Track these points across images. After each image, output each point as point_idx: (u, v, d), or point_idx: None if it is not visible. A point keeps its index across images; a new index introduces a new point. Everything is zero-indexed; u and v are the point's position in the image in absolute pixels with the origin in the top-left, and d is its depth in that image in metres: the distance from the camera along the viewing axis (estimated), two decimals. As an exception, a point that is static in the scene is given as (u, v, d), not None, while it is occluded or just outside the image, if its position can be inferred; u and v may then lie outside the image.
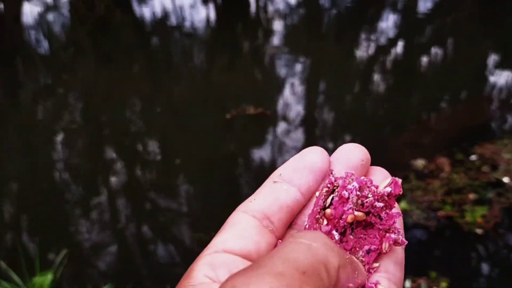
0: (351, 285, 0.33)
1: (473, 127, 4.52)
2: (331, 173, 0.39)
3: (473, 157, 3.93)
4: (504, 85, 5.35)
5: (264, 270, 0.29)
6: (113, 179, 4.05)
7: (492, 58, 6.18)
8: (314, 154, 0.39)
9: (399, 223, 0.41)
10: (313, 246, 0.31)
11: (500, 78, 5.49)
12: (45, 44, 7.02)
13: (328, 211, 0.37)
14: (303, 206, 0.39)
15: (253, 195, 0.40)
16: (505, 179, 3.67)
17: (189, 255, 3.29)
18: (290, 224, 0.40)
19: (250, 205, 0.39)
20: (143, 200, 3.81)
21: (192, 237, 3.36)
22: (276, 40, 6.82)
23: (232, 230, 0.38)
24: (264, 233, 0.38)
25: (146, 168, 4.20)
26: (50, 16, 7.64)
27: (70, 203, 3.79)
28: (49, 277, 1.88)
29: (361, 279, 0.35)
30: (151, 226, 3.53)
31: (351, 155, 0.43)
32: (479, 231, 3.24)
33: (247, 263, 0.35)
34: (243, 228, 0.38)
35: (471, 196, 3.52)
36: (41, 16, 7.65)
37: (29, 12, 7.70)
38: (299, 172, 0.38)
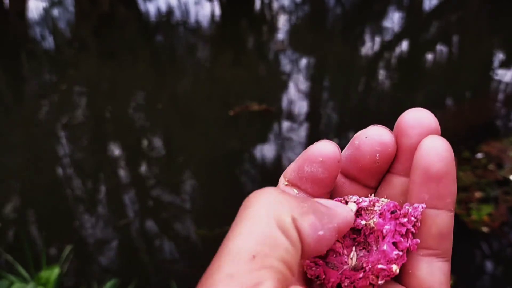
0: (321, 232, 0.30)
1: (479, 125, 4.51)
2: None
3: (479, 155, 3.92)
4: (511, 82, 5.33)
5: (216, 276, 0.28)
6: (117, 175, 4.05)
7: (499, 56, 6.16)
8: (311, 162, 0.36)
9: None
10: (260, 211, 0.29)
11: (506, 75, 5.47)
12: (49, 40, 7.02)
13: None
14: None
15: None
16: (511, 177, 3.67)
17: (193, 251, 3.29)
18: None
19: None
20: (147, 196, 3.82)
21: (196, 233, 3.37)
22: (280, 37, 6.81)
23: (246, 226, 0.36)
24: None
25: (149, 164, 4.20)
26: (55, 12, 7.64)
27: (75, 198, 3.80)
28: (56, 271, 1.88)
29: (338, 222, 0.32)
30: (155, 221, 3.54)
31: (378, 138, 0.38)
32: (485, 229, 3.23)
33: None
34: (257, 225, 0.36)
35: (477, 194, 3.51)
36: (46, 12, 7.65)
37: (34, 7, 7.71)
38: (302, 180, 0.36)
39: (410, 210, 0.36)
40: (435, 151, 0.34)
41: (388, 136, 0.37)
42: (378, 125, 0.38)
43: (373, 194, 0.39)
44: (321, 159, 0.35)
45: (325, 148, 0.35)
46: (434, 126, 0.37)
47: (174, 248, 3.33)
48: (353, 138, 0.38)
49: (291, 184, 0.36)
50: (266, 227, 0.28)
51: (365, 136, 0.37)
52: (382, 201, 0.37)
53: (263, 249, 0.28)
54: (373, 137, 0.36)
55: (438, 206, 0.35)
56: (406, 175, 0.37)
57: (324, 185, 0.36)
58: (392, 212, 0.36)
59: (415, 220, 0.36)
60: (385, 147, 0.36)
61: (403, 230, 0.35)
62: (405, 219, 0.35)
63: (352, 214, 0.34)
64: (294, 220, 0.29)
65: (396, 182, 0.37)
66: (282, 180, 0.38)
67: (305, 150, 0.37)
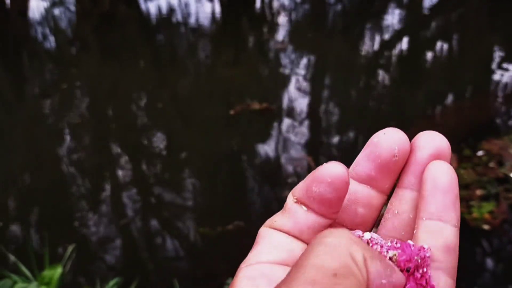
0: (384, 281, 0.31)
1: (480, 122, 4.52)
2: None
3: (480, 153, 3.92)
4: (511, 80, 5.33)
5: (297, 281, 0.29)
6: (119, 174, 4.07)
7: (499, 53, 6.16)
8: (319, 182, 0.36)
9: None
10: (337, 243, 0.30)
11: (507, 73, 5.47)
12: (51, 39, 7.04)
13: None
14: (330, 226, 0.38)
15: (275, 214, 0.39)
16: (513, 175, 3.67)
17: (194, 249, 3.31)
18: None
19: (272, 221, 0.39)
20: (148, 195, 3.83)
21: (197, 232, 3.38)
22: (281, 35, 6.81)
23: (263, 243, 0.38)
24: (295, 241, 0.38)
25: (151, 163, 4.21)
26: (56, 11, 7.66)
27: (77, 197, 3.82)
28: (58, 270, 1.90)
29: (396, 279, 0.33)
30: (157, 220, 3.55)
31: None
32: (486, 227, 3.23)
33: (285, 269, 0.35)
34: (273, 240, 0.38)
35: (479, 192, 3.52)
36: (47, 11, 7.66)
37: (35, 7, 7.72)
38: (310, 200, 0.37)
39: (419, 260, 0.36)
40: (442, 168, 0.36)
41: (404, 134, 0.39)
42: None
43: (372, 230, 0.40)
44: (329, 179, 0.36)
45: (334, 169, 0.36)
46: (447, 150, 0.39)
47: (175, 246, 3.35)
48: (370, 139, 0.40)
49: (300, 202, 0.37)
50: (343, 256, 0.30)
51: (384, 133, 0.39)
52: (387, 244, 0.37)
53: (342, 272, 0.29)
54: (392, 133, 0.38)
55: (443, 218, 0.36)
56: (416, 190, 0.38)
57: (332, 205, 0.36)
58: (407, 271, 0.35)
59: (427, 266, 0.36)
60: (403, 142, 0.38)
61: (423, 282, 0.36)
62: (420, 273, 0.36)
63: (403, 280, 0.35)
64: (365, 260, 0.30)
65: (407, 196, 0.39)
66: (290, 198, 0.39)
67: (314, 171, 0.37)
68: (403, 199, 0.39)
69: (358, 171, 0.40)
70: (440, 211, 0.36)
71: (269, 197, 3.73)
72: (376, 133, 0.39)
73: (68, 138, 4.57)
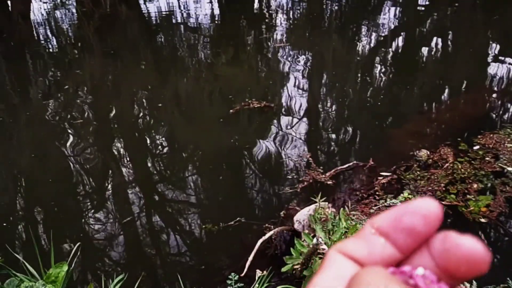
0: None
1: (475, 116, 4.53)
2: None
3: (477, 147, 3.95)
4: (506, 74, 5.35)
5: None
6: (122, 172, 4.12)
7: (493, 48, 6.17)
8: (413, 214, 0.35)
9: None
10: (375, 281, 0.32)
11: (501, 68, 5.49)
12: (53, 41, 7.10)
13: None
14: (400, 262, 0.36)
15: (350, 237, 0.38)
16: (510, 168, 3.69)
17: (198, 244, 3.36)
18: None
19: (344, 246, 0.37)
20: (152, 192, 3.88)
21: (200, 228, 3.43)
22: (279, 34, 6.85)
23: (331, 269, 0.36)
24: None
25: (154, 161, 4.26)
26: (58, 13, 7.72)
27: (82, 195, 3.87)
28: (64, 268, 1.94)
29: None
30: (161, 217, 3.59)
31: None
32: (483, 220, 3.26)
33: None
34: (342, 268, 0.36)
35: (475, 185, 3.55)
36: (49, 14, 7.73)
37: (37, 9, 7.79)
38: (396, 231, 0.35)
39: None
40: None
41: (439, 208, 0.36)
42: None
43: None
44: (424, 212, 0.35)
45: (429, 203, 0.35)
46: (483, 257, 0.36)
47: (179, 242, 3.39)
48: (406, 204, 0.37)
49: (380, 233, 0.36)
50: None
51: (420, 202, 0.37)
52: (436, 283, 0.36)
53: None
54: (427, 204, 0.36)
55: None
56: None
57: (419, 239, 0.35)
58: None
59: None
60: (434, 216, 0.36)
61: None
62: None
63: None
64: None
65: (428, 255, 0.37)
66: (368, 228, 0.37)
67: (404, 203, 0.36)
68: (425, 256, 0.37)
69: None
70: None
71: (269, 193, 3.78)
72: (414, 200, 0.36)
73: (71, 137, 4.62)
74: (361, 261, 0.36)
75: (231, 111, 4.69)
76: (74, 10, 7.85)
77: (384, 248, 0.35)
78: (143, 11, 7.82)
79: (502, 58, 5.71)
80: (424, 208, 0.35)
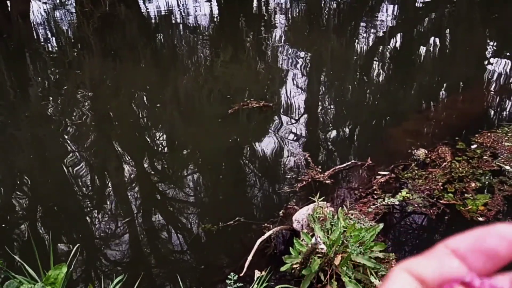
0: None
1: (473, 115, 4.54)
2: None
3: (474, 146, 3.96)
4: (503, 72, 5.36)
5: None
6: (122, 172, 4.13)
7: (491, 46, 6.18)
8: (499, 237, 0.34)
9: None
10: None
11: (499, 66, 5.49)
12: (52, 41, 7.11)
13: None
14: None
15: (420, 257, 0.36)
16: (508, 167, 3.70)
17: (197, 244, 3.37)
18: None
19: (413, 265, 0.36)
20: (152, 192, 3.89)
21: (200, 227, 3.44)
22: (277, 34, 6.86)
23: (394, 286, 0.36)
24: None
25: (154, 160, 4.27)
26: (57, 14, 7.73)
27: (81, 196, 3.88)
28: (63, 269, 1.95)
29: None
30: (160, 216, 3.61)
31: None
32: (481, 219, 3.27)
33: None
34: (403, 286, 0.35)
35: (473, 184, 3.56)
36: (48, 14, 7.74)
37: (37, 9, 7.80)
38: (475, 254, 0.34)
39: None
40: None
41: None
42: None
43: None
44: (509, 237, 0.34)
45: (497, 243, 0.34)
46: None
47: (179, 242, 3.41)
48: (485, 230, 0.37)
49: (456, 254, 0.35)
50: None
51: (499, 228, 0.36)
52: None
53: None
54: (506, 227, 0.36)
55: None
56: None
57: (498, 263, 0.34)
58: None
59: None
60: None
61: None
62: None
63: None
64: None
65: None
66: (442, 249, 0.35)
67: (484, 227, 0.35)
68: None
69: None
70: None
71: (268, 192, 3.79)
72: (496, 225, 0.36)
73: (71, 137, 4.63)
74: (429, 282, 0.35)
75: (229, 111, 4.70)
76: (73, 10, 7.86)
77: (458, 270, 0.34)
78: (142, 11, 7.83)
79: (500, 57, 5.72)
80: (509, 233, 0.34)
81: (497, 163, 3.76)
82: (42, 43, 7.01)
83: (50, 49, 6.87)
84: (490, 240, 0.34)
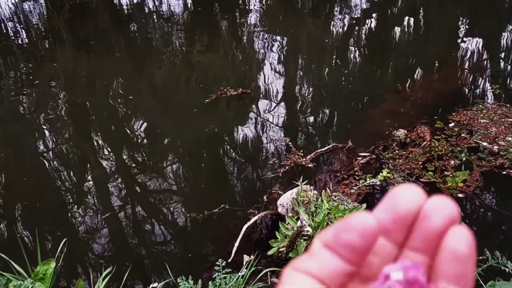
0: None
1: (449, 93, 4.63)
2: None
3: (452, 124, 4.04)
4: (476, 50, 5.46)
5: None
6: (102, 165, 4.09)
7: (464, 25, 6.28)
8: (355, 230, 0.36)
9: None
10: None
11: (471, 44, 5.59)
12: (23, 34, 6.95)
13: None
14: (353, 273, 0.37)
15: (300, 257, 0.38)
16: (485, 143, 3.78)
17: (183, 233, 3.38)
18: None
19: (298, 264, 0.37)
20: (134, 183, 3.87)
21: (185, 216, 3.45)
22: (253, 19, 6.83)
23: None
24: (318, 285, 0.36)
25: (134, 152, 4.25)
26: (26, 6, 7.55)
27: (63, 190, 3.84)
28: (51, 265, 1.93)
29: None
30: (145, 208, 3.60)
31: (400, 201, 0.37)
32: (460, 195, 3.34)
33: None
34: (298, 285, 0.36)
35: (452, 162, 3.63)
36: (17, 6, 7.55)
37: (4, 2, 7.60)
38: (341, 247, 0.36)
39: None
40: (463, 238, 0.36)
41: (422, 193, 0.37)
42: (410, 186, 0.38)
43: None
44: (361, 228, 0.35)
45: (365, 219, 0.35)
46: (458, 219, 0.38)
47: (165, 232, 3.41)
48: (390, 193, 0.37)
49: (328, 247, 0.36)
50: None
51: (404, 189, 0.37)
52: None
53: None
54: (410, 190, 0.37)
55: (460, 284, 0.36)
56: (423, 253, 0.37)
57: (360, 253, 0.36)
58: None
59: None
60: (419, 200, 0.37)
61: None
62: None
63: None
64: None
65: (417, 259, 0.37)
66: (318, 242, 0.37)
67: (344, 218, 0.36)
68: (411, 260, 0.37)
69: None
70: (458, 277, 0.36)
71: (252, 179, 3.81)
72: (396, 188, 0.37)
73: (48, 132, 4.56)
74: (316, 275, 0.36)
75: (206, 100, 4.68)
76: (42, 2, 7.68)
77: (332, 261, 0.36)
78: (114, 1, 7.70)
79: (473, 35, 5.82)
80: (360, 224, 0.35)
81: (474, 140, 3.85)
82: (12, 37, 6.85)
83: (21, 42, 6.72)
84: (343, 234, 0.36)
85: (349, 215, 0.36)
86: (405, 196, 0.36)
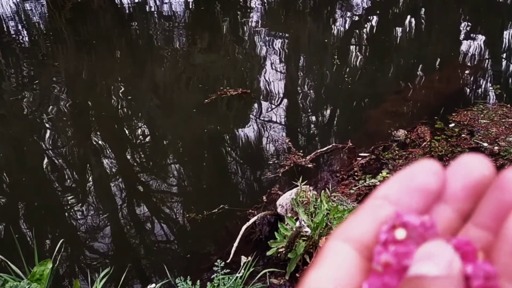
0: None
1: (449, 94, 4.61)
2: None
3: (452, 125, 4.03)
4: (477, 50, 5.44)
5: None
6: (103, 164, 4.09)
7: (466, 25, 6.26)
8: (427, 173, 0.32)
9: None
10: None
11: (473, 44, 5.57)
12: (24, 34, 6.95)
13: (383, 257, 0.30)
14: None
15: (352, 217, 0.33)
16: (485, 144, 3.77)
17: (183, 233, 3.37)
18: None
19: (348, 232, 0.33)
20: (134, 183, 3.87)
21: (185, 216, 3.44)
22: (254, 19, 6.82)
23: (328, 266, 0.32)
24: (363, 267, 0.32)
25: (134, 152, 4.24)
26: (27, 6, 7.55)
27: (63, 190, 3.84)
28: (48, 265, 1.93)
29: None
30: (144, 208, 3.59)
31: (470, 168, 0.33)
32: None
33: None
34: (340, 264, 0.32)
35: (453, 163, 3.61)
36: (18, 6, 7.56)
37: (6, 2, 7.61)
38: (408, 194, 0.32)
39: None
40: None
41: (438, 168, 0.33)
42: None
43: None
44: (435, 170, 0.32)
45: (433, 163, 0.32)
46: None
47: (164, 232, 3.40)
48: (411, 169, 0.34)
49: (388, 201, 0.32)
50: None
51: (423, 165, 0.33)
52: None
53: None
54: (426, 163, 0.33)
55: None
56: (488, 230, 0.32)
57: (431, 198, 0.32)
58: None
59: None
60: (438, 168, 0.33)
61: None
62: None
63: None
64: None
65: (480, 236, 0.33)
66: (372, 202, 0.33)
67: (408, 167, 0.33)
68: (471, 237, 0.32)
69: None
70: None
71: (251, 179, 3.80)
72: (465, 155, 0.33)
73: (49, 132, 4.55)
74: (369, 243, 0.31)
75: (206, 100, 4.67)
76: (44, 2, 7.69)
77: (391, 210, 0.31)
78: (115, 1, 7.71)
79: (474, 35, 5.80)
80: (434, 166, 0.32)
81: (475, 140, 3.84)
82: (14, 37, 6.85)
83: (23, 42, 6.73)
84: (418, 177, 0.32)
85: (410, 170, 0.32)
86: (476, 164, 0.33)
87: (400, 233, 0.30)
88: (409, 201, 0.32)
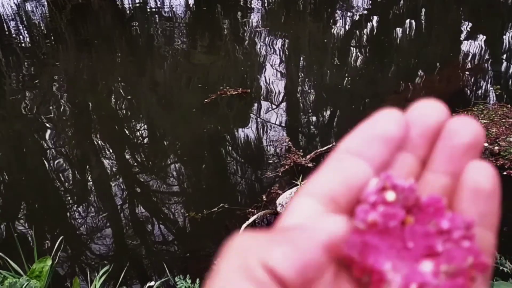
0: (300, 260, 0.28)
1: (450, 94, 4.61)
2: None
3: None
4: (477, 51, 5.44)
5: None
6: (103, 164, 4.10)
7: (466, 26, 6.26)
8: (387, 121, 0.32)
9: None
10: (226, 270, 0.28)
11: (473, 45, 5.58)
12: (25, 34, 6.97)
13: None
14: None
15: (316, 174, 0.32)
16: (485, 144, 3.77)
17: (182, 233, 3.37)
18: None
19: (313, 187, 0.31)
20: (134, 183, 3.87)
21: (184, 216, 3.44)
22: (254, 20, 6.84)
23: (294, 219, 0.31)
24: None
25: (134, 151, 4.24)
26: (28, 6, 7.58)
27: (63, 189, 3.84)
28: (48, 262, 1.93)
29: (321, 240, 0.29)
30: (144, 207, 3.60)
31: (427, 114, 0.34)
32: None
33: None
34: (306, 217, 0.31)
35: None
36: (19, 7, 7.58)
37: (7, 2, 7.63)
38: (369, 144, 0.31)
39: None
40: (486, 172, 0.32)
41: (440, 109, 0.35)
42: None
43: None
44: (394, 117, 0.33)
45: (386, 125, 0.32)
46: (482, 142, 0.34)
47: (163, 231, 3.40)
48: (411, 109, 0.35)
49: (352, 153, 0.32)
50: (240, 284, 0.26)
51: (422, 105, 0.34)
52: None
53: None
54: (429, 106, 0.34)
55: (484, 224, 0.32)
56: (448, 175, 0.33)
57: (395, 147, 0.32)
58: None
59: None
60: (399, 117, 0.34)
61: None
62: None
63: (342, 226, 0.29)
64: (263, 264, 0.26)
65: (438, 181, 0.33)
66: (337, 155, 0.32)
67: (362, 125, 0.32)
68: (432, 185, 0.33)
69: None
70: (481, 216, 0.32)
71: (251, 178, 3.80)
72: (420, 101, 0.34)
73: (50, 131, 4.56)
74: (340, 199, 0.31)
75: (206, 100, 4.67)
76: (45, 2, 7.70)
77: (363, 172, 0.31)
78: (116, 1, 7.72)
79: (474, 36, 5.80)
80: (393, 113, 0.32)
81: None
82: (15, 37, 6.87)
83: (23, 42, 6.74)
84: (378, 126, 0.32)
85: (370, 119, 0.32)
86: (431, 110, 0.33)
87: (390, 195, 0.29)
88: (371, 151, 0.31)
